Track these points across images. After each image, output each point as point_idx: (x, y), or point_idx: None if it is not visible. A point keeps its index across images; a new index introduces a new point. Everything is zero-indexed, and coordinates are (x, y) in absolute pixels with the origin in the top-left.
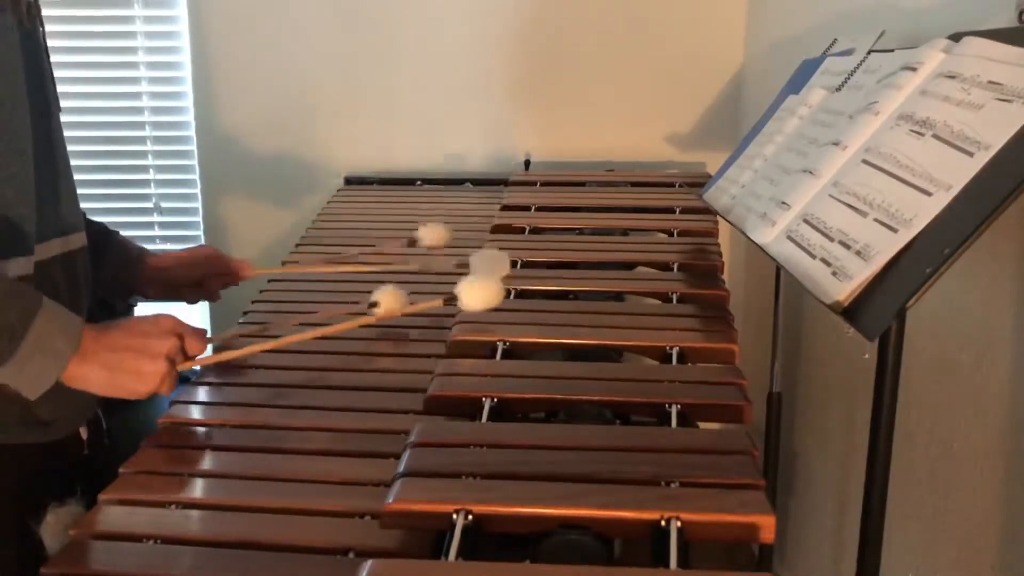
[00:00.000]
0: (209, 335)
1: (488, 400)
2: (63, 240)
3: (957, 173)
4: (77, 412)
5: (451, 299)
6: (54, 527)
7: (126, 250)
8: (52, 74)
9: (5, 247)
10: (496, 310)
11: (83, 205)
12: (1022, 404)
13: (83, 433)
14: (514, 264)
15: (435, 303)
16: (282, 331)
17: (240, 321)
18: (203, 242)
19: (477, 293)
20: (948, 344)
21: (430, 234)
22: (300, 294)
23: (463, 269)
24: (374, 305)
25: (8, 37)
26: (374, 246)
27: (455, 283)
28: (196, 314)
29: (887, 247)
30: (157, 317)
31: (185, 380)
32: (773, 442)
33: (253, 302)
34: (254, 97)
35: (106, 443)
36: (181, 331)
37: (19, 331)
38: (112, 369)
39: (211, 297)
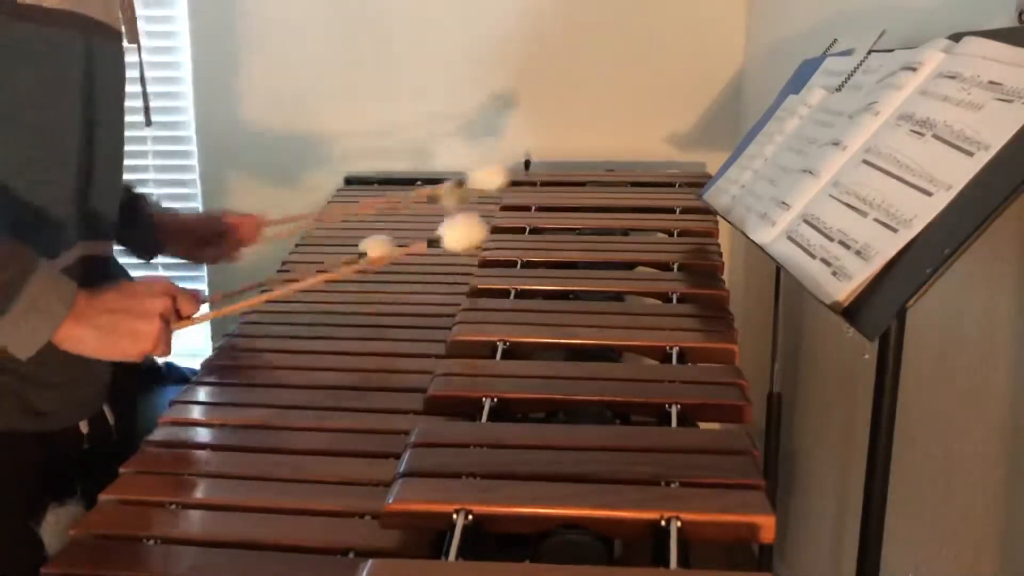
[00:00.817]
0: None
1: (488, 400)
2: (91, 244)
3: (957, 173)
4: (78, 406)
5: (435, 242)
6: (54, 527)
7: (151, 208)
8: (144, 89)
9: (34, 248)
10: (496, 310)
11: None
12: (1022, 404)
13: (83, 427)
14: (514, 264)
15: (420, 245)
16: (273, 286)
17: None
18: None
19: (460, 232)
20: (948, 344)
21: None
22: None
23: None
24: (362, 255)
25: (65, 53)
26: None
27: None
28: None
29: (887, 247)
30: (149, 279)
31: (184, 380)
32: (773, 442)
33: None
34: (254, 97)
35: (113, 439)
36: (174, 292)
37: (13, 289)
38: (107, 330)
39: (230, 255)
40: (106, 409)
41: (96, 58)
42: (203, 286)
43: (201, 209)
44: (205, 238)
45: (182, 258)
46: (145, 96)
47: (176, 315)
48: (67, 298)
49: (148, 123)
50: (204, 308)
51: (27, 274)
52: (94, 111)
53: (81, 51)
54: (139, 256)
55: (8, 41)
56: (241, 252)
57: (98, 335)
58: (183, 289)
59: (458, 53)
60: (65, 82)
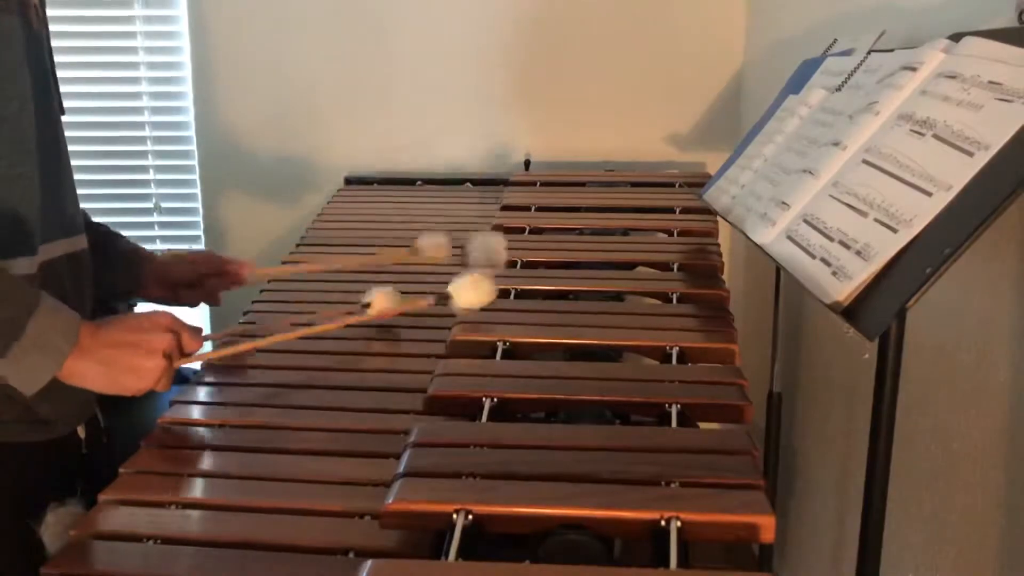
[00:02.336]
0: (206, 333)
1: (488, 400)
2: (68, 241)
3: (957, 173)
4: (76, 411)
5: (443, 299)
6: (54, 527)
7: (129, 251)
8: (56, 76)
9: (10, 247)
10: (496, 310)
11: (83, 205)
12: (1022, 404)
13: (81, 432)
14: (514, 264)
15: (426, 303)
16: (278, 330)
17: (240, 322)
18: (203, 242)
19: (470, 292)
20: (948, 344)
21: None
22: (300, 294)
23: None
24: (367, 306)
25: (14, 38)
26: (374, 251)
27: (452, 277)
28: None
29: (887, 247)
30: (154, 314)
31: (184, 380)
32: (773, 442)
33: (253, 302)
34: (254, 97)
35: (105, 442)
36: (177, 328)
37: (17, 327)
38: (109, 365)
39: (212, 300)
40: (98, 412)
41: (35, 44)
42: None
43: (201, 209)
44: (185, 283)
45: (159, 301)
46: (56, 82)
47: (179, 352)
48: (70, 334)
49: (62, 112)
50: (206, 345)
51: (30, 310)
52: (41, 99)
53: (22, 37)
54: (116, 301)
55: None
56: (221, 296)
57: (101, 371)
58: (187, 325)
59: (458, 53)
60: (15, 69)
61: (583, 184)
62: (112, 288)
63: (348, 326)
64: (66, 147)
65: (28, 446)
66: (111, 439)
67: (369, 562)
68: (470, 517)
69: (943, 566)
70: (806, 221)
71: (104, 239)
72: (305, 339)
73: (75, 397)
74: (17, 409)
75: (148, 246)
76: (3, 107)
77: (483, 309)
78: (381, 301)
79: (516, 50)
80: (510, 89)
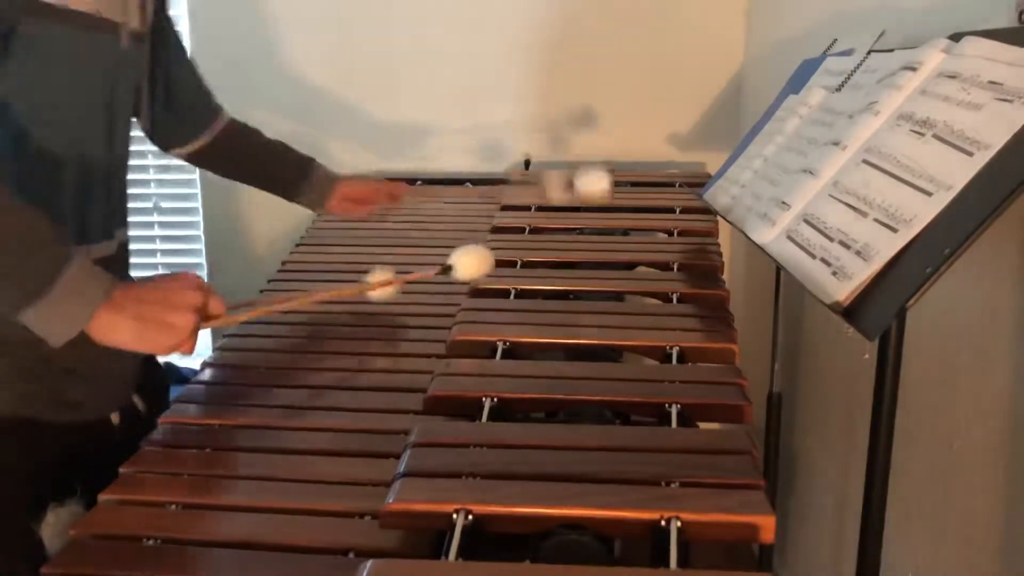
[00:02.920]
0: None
1: (488, 400)
2: (86, 249)
3: (957, 173)
4: (108, 398)
5: (445, 270)
6: (54, 527)
7: (319, 178)
8: (134, 91)
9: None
10: (496, 310)
11: None
12: (1022, 404)
13: (114, 419)
14: (514, 264)
15: (428, 274)
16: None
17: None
18: (203, 242)
19: (471, 261)
20: (948, 344)
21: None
22: (310, 284)
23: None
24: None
25: (94, 54)
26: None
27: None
28: None
29: (887, 247)
30: (183, 275)
31: (184, 380)
32: (773, 442)
33: (261, 291)
34: (254, 97)
35: (141, 430)
36: (206, 288)
37: (54, 270)
38: (141, 320)
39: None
40: (136, 400)
41: (119, 59)
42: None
43: (201, 209)
44: (358, 196)
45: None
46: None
47: (205, 315)
48: (104, 286)
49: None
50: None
51: (68, 258)
52: (114, 110)
53: (108, 53)
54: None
55: (40, 41)
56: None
57: (132, 324)
58: (212, 289)
59: (459, 53)
60: (92, 82)
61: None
62: (308, 204)
63: (352, 314)
64: (128, 156)
65: (55, 426)
66: (149, 427)
67: (369, 562)
68: (470, 517)
69: (943, 566)
70: (806, 221)
71: (302, 165)
72: (305, 339)
73: (107, 383)
74: (47, 390)
75: (148, 246)
76: (71, 115)
77: (483, 309)
78: (383, 277)
79: (516, 50)
80: (510, 89)
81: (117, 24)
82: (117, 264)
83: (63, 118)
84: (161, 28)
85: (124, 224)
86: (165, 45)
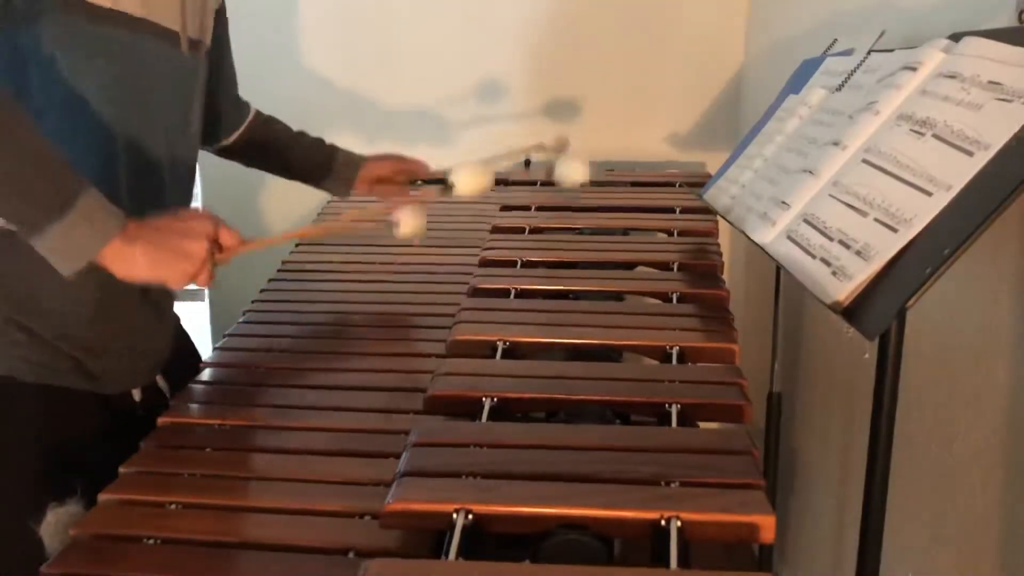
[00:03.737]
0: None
1: (488, 400)
2: None
3: (957, 173)
4: (128, 374)
5: (446, 188)
6: (54, 527)
7: (344, 164)
8: (199, 103)
9: None
10: (496, 310)
11: None
12: (1022, 404)
13: (136, 395)
14: (514, 264)
15: (431, 192)
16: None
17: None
18: None
19: (470, 177)
20: (948, 344)
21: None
22: (310, 284)
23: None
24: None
25: (141, 54)
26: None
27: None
28: (200, 318)
29: (887, 247)
30: (193, 210)
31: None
32: (773, 442)
33: (262, 290)
34: (254, 97)
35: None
36: (217, 220)
37: (70, 195)
38: (156, 247)
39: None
40: (160, 380)
41: (169, 63)
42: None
43: (201, 209)
44: (381, 176)
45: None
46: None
47: (218, 246)
48: (118, 217)
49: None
50: None
51: (83, 186)
52: (169, 115)
53: (155, 55)
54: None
55: (86, 40)
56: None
57: (147, 250)
58: (224, 223)
59: (459, 53)
60: (140, 82)
61: (583, 184)
62: (332, 189)
63: (353, 313)
64: (193, 167)
65: (78, 393)
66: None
67: (369, 562)
68: (470, 517)
69: (943, 566)
70: (806, 221)
71: (328, 152)
72: (306, 338)
73: (128, 360)
74: (68, 360)
75: None
76: (118, 112)
77: (483, 309)
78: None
79: (516, 50)
80: (510, 89)
81: (176, 33)
82: None
83: (115, 114)
84: (218, 36)
85: None
86: (220, 50)
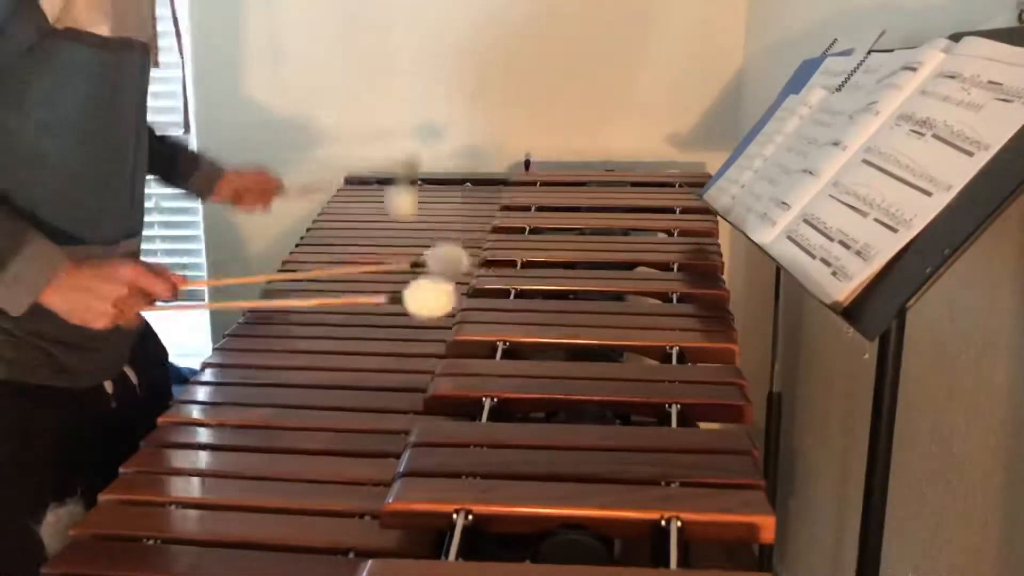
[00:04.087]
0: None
1: (488, 400)
2: (129, 243)
3: (957, 173)
4: (100, 367)
5: (397, 299)
6: (54, 527)
7: (209, 166)
8: (144, 108)
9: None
10: (496, 310)
11: None
12: (1022, 404)
13: (108, 387)
14: (514, 264)
15: (379, 299)
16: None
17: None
18: (203, 242)
19: (424, 297)
20: (948, 344)
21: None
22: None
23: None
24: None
25: (118, 71)
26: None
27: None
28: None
29: (887, 247)
30: (120, 266)
31: (184, 380)
32: (773, 442)
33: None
34: (254, 97)
35: (139, 396)
36: (137, 281)
37: (6, 257)
38: (72, 304)
39: (265, 205)
40: (128, 371)
41: (141, 74)
42: (202, 272)
43: (201, 209)
44: (247, 187)
45: (229, 202)
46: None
47: (145, 298)
48: (47, 272)
49: (187, 130)
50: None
51: (20, 246)
52: (141, 120)
53: (133, 69)
54: (195, 198)
55: (63, 62)
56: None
57: (65, 307)
58: (157, 276)
59: (459, 52)
60: (118, 96)
61: (583, 184)
62: (191, 194)
63: (353, 314)
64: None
65: (55, 391)
66: (141, 395)
67: (369, 562)
68: (470, 517)
69: (943, 566)
70: (806, 221)
71: (188, 156)
72: (305, 338)
73: (99, 353)
74: (43, 356)
75: (148, 246)
76: (98, 125)
77: (483, 309)
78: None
79: (517, 50)
80: (510, 89)
81: (135, 42)
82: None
83: (95, 128)
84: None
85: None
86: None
